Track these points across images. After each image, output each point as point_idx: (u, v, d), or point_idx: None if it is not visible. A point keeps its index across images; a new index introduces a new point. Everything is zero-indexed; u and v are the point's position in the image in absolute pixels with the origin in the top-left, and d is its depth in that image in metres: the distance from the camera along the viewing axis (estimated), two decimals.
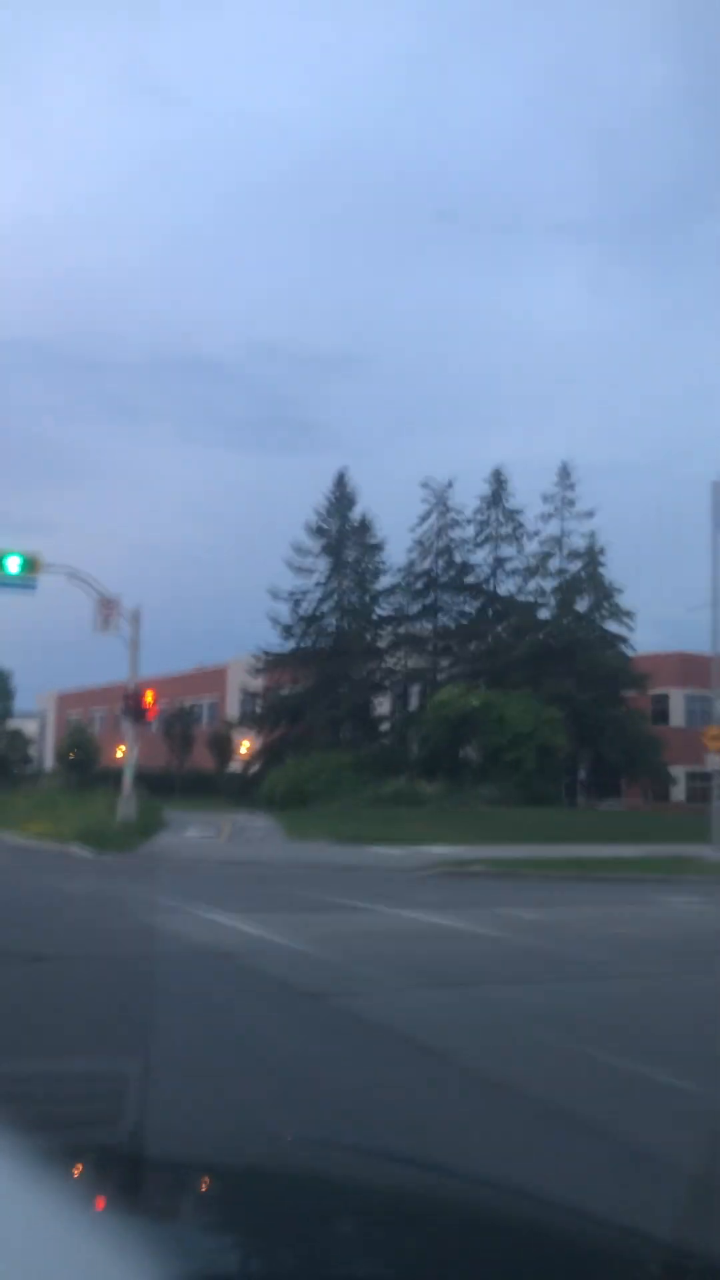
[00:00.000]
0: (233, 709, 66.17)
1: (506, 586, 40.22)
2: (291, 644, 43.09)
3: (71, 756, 49.25)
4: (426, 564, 41.37)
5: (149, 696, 27.05)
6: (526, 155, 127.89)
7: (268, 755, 42.17)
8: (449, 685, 34.08)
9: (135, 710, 26.62)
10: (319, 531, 43.21)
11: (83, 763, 49.46)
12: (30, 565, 26.03)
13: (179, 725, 52.38)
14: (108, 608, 26.78)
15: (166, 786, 44.05)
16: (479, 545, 40.64)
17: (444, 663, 39.41)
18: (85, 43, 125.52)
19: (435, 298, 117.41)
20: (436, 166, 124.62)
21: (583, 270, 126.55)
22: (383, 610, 42.25)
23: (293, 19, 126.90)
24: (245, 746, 62.94)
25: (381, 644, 41.53)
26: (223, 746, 50.99)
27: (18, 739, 57.23)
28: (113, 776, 48.46)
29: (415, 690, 39.72)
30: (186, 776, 48.91)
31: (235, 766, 53.64)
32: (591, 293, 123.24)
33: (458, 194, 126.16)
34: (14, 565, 25.82)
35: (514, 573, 40.42)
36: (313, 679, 41.54)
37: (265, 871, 19.16)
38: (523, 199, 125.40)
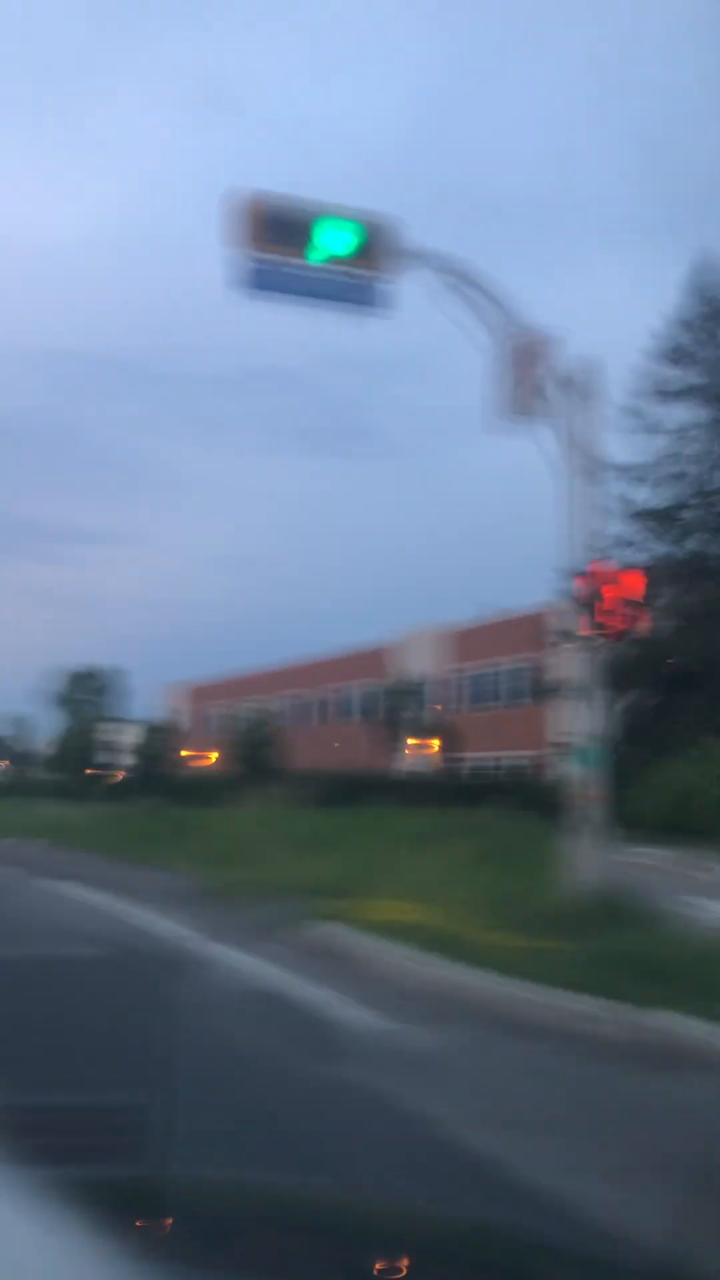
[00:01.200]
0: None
1: None
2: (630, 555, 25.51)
3: (252, 757, 33.63)
4: None
5: (638, 580, 11.05)
6: (573, 153, 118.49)
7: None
8: None
9: (599, 600, 10.59)
10: (680, 356, 25.18)
11: (265, 764, 33.95)
12: (368, 243, 10.22)
13: (386, 706, 36.53)
14: (529, 358, 10.85)
15: (361, 790, 28.17)
16: None
17: None
18: (159, 55, 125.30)
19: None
20: (500, 167, 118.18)
21: (636, 268, 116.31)
22: None
23: (337, 24, 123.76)
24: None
25: None
26: (451, 737, 34.79)
27: (163, 733, 42.05)
28: (296, 781, 33.06)
29: None
30: (390, 779, 32.92)
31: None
32: (645, 290, 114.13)
33: (520, 194, 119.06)
34: (343, 243, 10.07)
35: None
36: (688, 610, 24.49)
37: None
38: (570, 197, 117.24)
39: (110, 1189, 1.95)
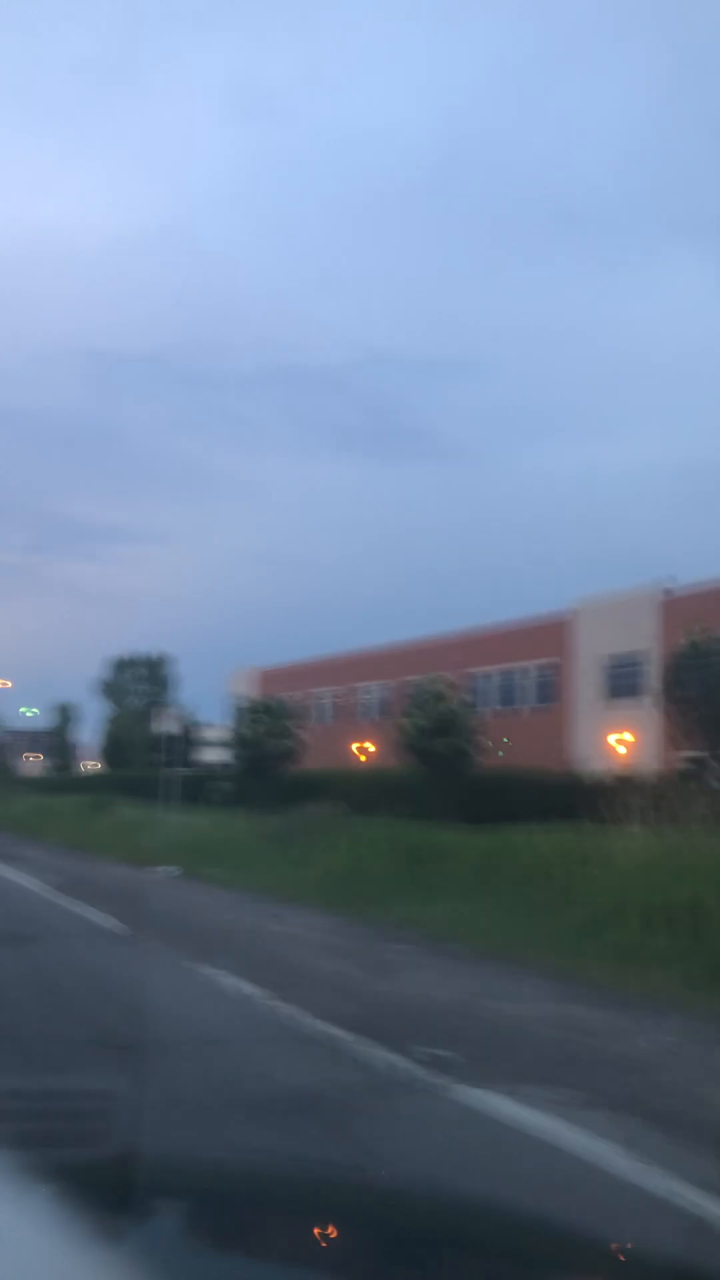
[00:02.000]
0: (582, 675, 41.07)
1: None
2: None
3: (443, 750, 23.96)
4: None
5: None
6: (648, 154, 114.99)
7: None
8: None
9: None
10: None
11: (459, 757, 24.41)
12: None
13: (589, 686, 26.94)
14: None
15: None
16: None
17: None
18: (193, 60, 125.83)
19: (553, 301, 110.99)
20: (555, 168, 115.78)
21: (707, 271, 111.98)
22: None
23: (404, 25, 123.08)
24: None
25: None
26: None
27: (279, 713, 32.63)
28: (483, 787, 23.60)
29: None
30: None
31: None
32: (716, 294, 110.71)
33: (577, 195, 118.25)
34: None
35: None
36: None
37: None
38: (644, 199, 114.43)
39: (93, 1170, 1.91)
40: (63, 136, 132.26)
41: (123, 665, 78.31)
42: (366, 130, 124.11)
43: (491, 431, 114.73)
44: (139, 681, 78.74)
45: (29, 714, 79.98)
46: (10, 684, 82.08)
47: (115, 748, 66.28)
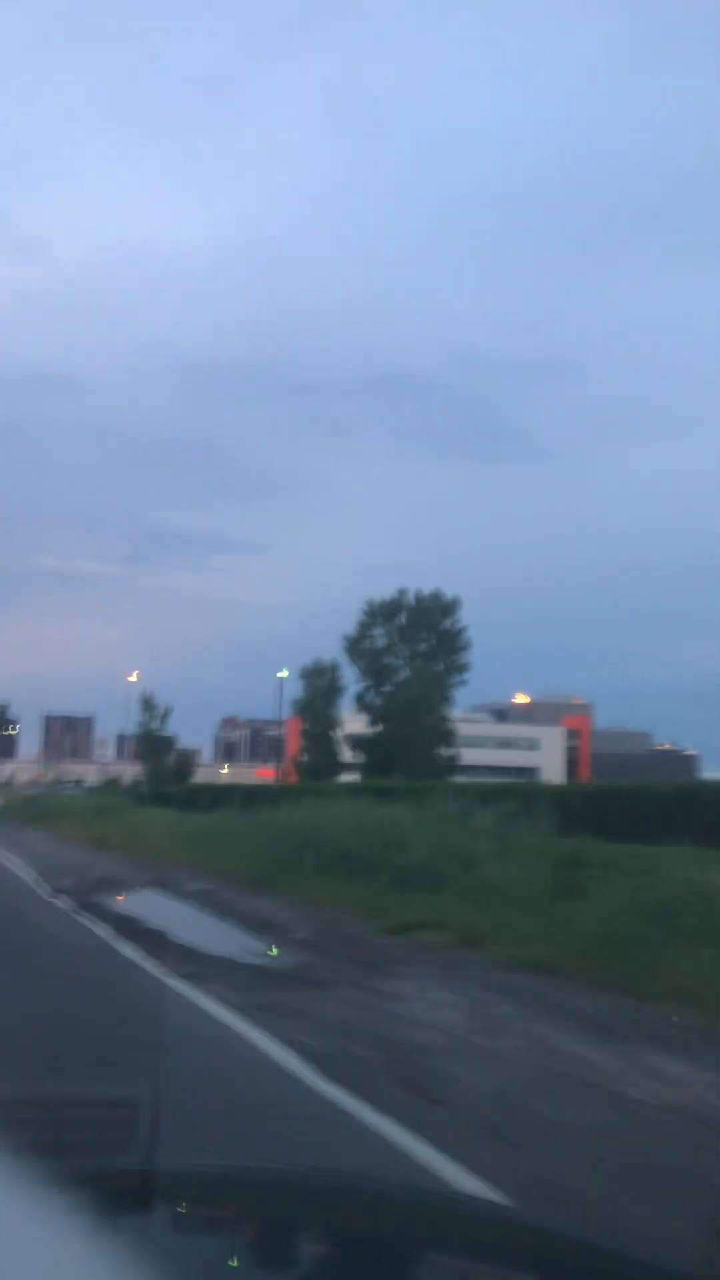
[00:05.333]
0: None
1: None
2: None
3: None
4: None
5: None
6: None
7: None
8: None
9: None
10: None
11: None
12: None
13: None
14: None
15: None
16: None
17: None
18: (292, 74, 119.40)
19: (647, 299, 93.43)
20: (648, 165, 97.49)
21: None
22: None
23: (496, 32, 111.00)
24: None
25: None
26: None
27: None
28: None
29: None
30: None
31: None
32: None
33: (666, 194, 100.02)
34: None
35: None
36: None
37: None
38: None
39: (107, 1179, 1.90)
40: (164, 150, 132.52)
41: (376, 612, 57.54)
42: (460, 136, 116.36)
43: (587, 431, 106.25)
44: (404, 642, 56.40)
45: (282, 677, 61.71)
46: (137, 676, 73.08)
47: (384, 741, 50.11)
